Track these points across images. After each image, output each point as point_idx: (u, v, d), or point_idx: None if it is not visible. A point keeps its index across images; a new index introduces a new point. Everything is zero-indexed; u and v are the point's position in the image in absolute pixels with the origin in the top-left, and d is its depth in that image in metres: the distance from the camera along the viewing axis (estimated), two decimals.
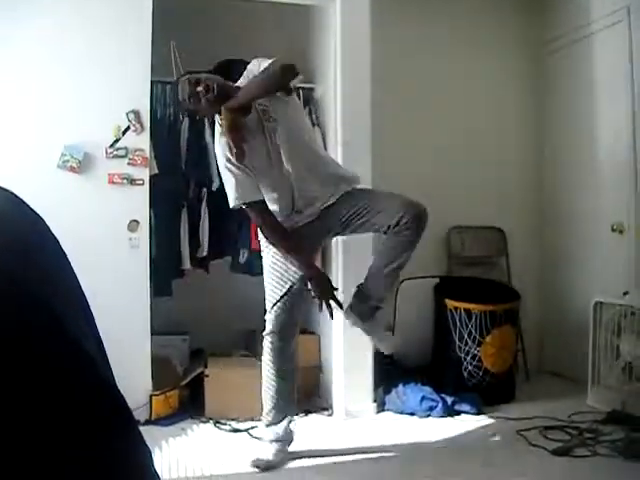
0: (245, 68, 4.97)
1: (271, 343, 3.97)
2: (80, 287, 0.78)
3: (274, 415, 4.00)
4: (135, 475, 0.67)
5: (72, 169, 4.43)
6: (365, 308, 3.91)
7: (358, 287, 3.95)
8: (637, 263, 5.14)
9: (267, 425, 4.02)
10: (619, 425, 4.34)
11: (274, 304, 3.96)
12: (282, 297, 3.96)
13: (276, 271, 3.97)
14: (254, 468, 3.83)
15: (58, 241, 0.78)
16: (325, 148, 5.07)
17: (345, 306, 3.96)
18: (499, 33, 6.31)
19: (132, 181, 4.54)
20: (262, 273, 5.05)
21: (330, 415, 4.86)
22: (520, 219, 6.27)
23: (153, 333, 4.62)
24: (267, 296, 4.00)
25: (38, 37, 4.43)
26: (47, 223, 0.77)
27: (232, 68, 5.16)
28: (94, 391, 0.65)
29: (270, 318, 3.96)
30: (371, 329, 4.00)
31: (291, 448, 4.12)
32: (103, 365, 0.72)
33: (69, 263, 0.78)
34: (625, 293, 4.78)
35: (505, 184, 6.22)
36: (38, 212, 0.77)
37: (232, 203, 3.73)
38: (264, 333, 3.98)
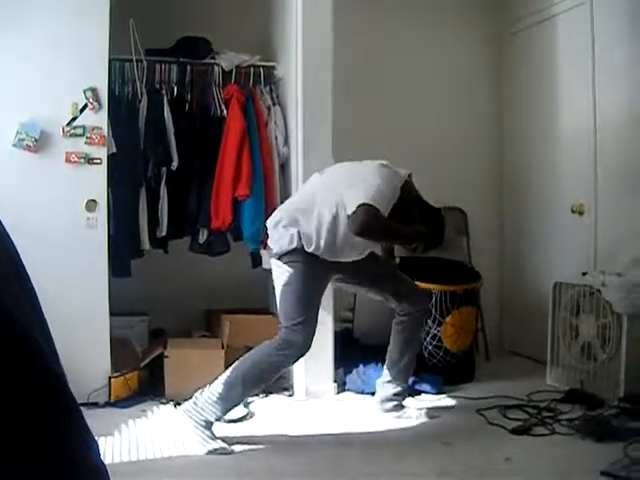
0: (205, 46, 4.95)
1: (300, 356, 3.95)
2: (27, 273, 0.75)
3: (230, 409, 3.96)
4: (82, 470, 0.65)
5: (28, 148, 4.35)
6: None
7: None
8: (596, 244, 5.19)
9: (224, 415, 3.94)
10: (577, 404, 4.39)
11: (311, 316, 3.93)
12: (318, 306, 3.99)
13: (315, 280, 3.96)
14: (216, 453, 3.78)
15: (1, 223, 0.74)
16: (286, 127, 5.09)
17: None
18: (460, 16, 6.27)
19: (90, 160, 4.46)
20: (222, 253, 5.02)
21: (291, 395, 4.86)
22: (481, 200, 6.30)
23: (111, 314, 4.56)
24: (299, 308, 3.90)
25: None
26: None
27: (191, 46, 5.12)
28: (42, 383, 0.63)
29: (306, 330, 3.89)
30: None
31: (251, 429, 4.13)
32: (51, 356, 0.69)
33: (14, 248, 0.74)
34: (584, 274, 4.82)
35: (466, 166, 6.22)
36: None
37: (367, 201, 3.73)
38: (295, 346, 3.87)
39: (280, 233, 3.94)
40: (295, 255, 3.90)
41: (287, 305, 3.93)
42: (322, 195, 3.94)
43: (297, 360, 4.00)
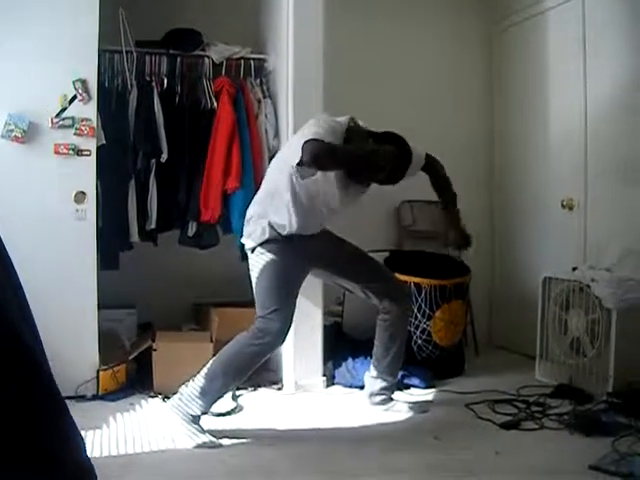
0: (195, 37, 4.92)
1: (276, 344, 3.96)
2: (12, 263, 0.74)
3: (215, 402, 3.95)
4: (67, 465, 0.64)
5: (16, 139, 4.32)
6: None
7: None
8: (586, 239, 5.20)
9: (210, 407, 3.94)
10: (566, 399, 4.40)
11: (286, 304, 3.92)
12: (293, 295, 3.98)
13: (289, 269, 3.95)
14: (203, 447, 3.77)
15: None
16: (276, 120, 5.07)
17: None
18: (450, 13, 6.28)
19: (79, 152, 4.44)
20: (211, 246, 5.01)
21: (279, 389, 4.86)
22: (471, 195, 6.28)
23: (100, 307, 4.55)
24: (273, 296, 3.90)
25: None
26: None
27: (182, 37, 5.09)
28: (28, 377, 0.62)
29: (281, 318, 3.88)
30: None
31: (239, 422, 4.13)
32: (37, 349, 0.68)
33: (8, 257, 0.74)
34: (574, 269, 4.83)
35: (456, 160, 6.18)
36: None
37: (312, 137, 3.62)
38: (271, 334, 3.86)
39: (252, 227, 3.96)
40: (269, 245, 3.90)
41: (262, 294, 3.94)
42: (277, 174, 3.91)
43: (274, 349, 4.01)
